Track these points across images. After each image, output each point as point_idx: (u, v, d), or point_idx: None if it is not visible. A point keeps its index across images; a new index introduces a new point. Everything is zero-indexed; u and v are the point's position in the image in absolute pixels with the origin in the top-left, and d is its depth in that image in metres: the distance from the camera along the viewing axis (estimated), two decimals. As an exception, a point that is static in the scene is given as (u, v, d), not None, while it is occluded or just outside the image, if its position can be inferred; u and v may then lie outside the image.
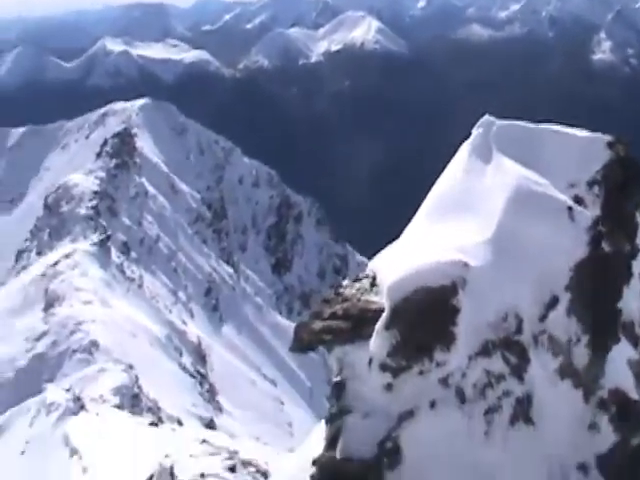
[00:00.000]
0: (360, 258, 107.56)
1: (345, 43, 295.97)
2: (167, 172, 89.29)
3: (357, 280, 4.65)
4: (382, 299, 4.21)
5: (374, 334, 4.06)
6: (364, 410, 4.27)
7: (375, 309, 4.23)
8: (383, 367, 4.04)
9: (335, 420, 4.47)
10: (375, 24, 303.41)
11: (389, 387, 4.06)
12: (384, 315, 4.02)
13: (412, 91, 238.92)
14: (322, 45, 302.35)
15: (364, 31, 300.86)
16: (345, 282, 4.67)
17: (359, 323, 4.29)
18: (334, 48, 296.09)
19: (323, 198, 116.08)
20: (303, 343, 4.58)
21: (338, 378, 4.46)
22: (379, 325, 4.02)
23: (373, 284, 4.52)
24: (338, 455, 4.31)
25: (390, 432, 4.08)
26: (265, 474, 17.91)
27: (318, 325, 4.45)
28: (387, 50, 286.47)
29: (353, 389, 4.38)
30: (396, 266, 4.21)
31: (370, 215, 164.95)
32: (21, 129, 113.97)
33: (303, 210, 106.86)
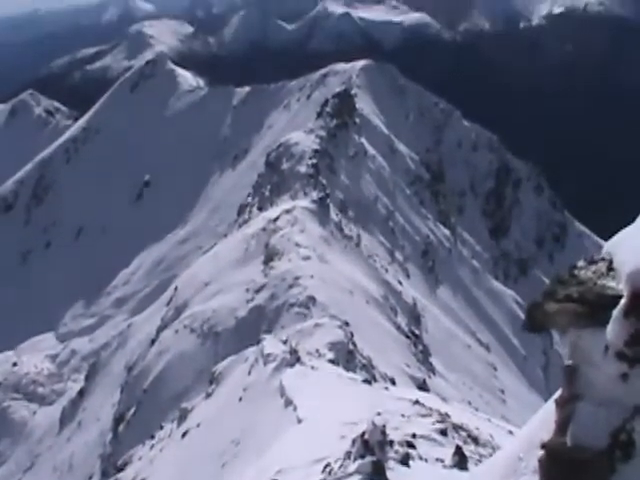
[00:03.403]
0: (580, 227, 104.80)
1: (567, 6, 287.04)
2: (386, 133, 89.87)
3: (593, 262, 4.47)
4: (620, 285, 4.02)
5: (611, 321, 3.89)
6: (597, 398, 4.11)
7: (613, 295, 4.06)
8: (620, 356, 3.87)
9: (566, 405, 4.35)
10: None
11: (625, 377, 3.89)
12: (623, 302, 3.85)
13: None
14: (544, 7, 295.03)
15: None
16: (580, 263, 4.51)
17: (595, 308, 4.12)
18: (556, 11, 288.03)
19: (543, 164, 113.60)
20: (536, 324, 4.47)
21: (570, 362, 4.33)
22: (617, 312, 3.84)
23: (610, 268, 4.33)
24: (569, 442, 4.20)
25: (624, 423, 3.92)
26: (476, 440, 17.81)
27: (552, 307, 4.32)
28: (612, 14, 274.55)
29: (586, 375, 4.24)
30: (636, 251, 4.02)
31: (592, 184, 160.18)
32: (246, 88, 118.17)
33: (522, 175, 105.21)
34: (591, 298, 4.03)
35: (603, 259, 4.35)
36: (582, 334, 4.06)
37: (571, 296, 4.12)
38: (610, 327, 3.76)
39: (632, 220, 4.46)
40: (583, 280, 4.20)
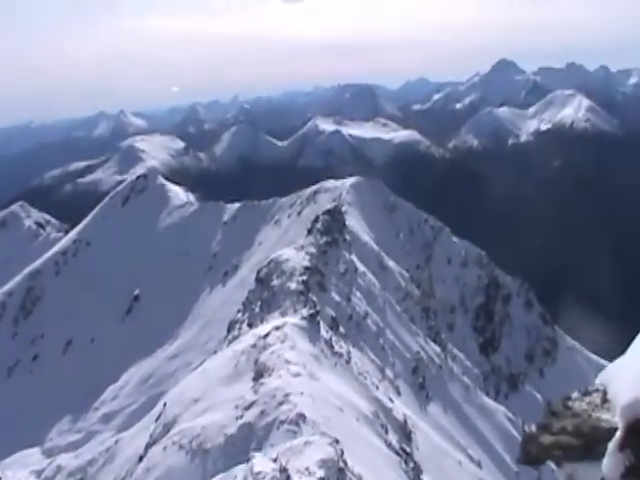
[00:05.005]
0: (570, 341, 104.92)
1: (555, 122, 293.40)
2: (376, 250, 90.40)
3: (587, 394, 4.57)
4: (614, 417, 4.12)
5: (607, 454, 3.97)
6: (594, 530, 4.17)
7: (607, 428, 4.15)
8: (616, 488, 3.94)
9: (563, 537, 4.39)
10: (585, 102, 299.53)
11: (622, 508, 3.96)
12: (617, 435, 3.93)
13: (626, 173, 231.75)
14: (531, 124, 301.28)
15: (574, 110, 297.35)
16: (574, 395, 4.60)
17: (590, 441, 4.20)
18: (544, 127, 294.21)
19: (532, 280, 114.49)
20: (531, 456, 4.54)
21: (566, 494, 4.40)
22: (612, 446, 3.92)
23: (604, 399, 4.43)
24: None
25: None
26: None
27: (547, 439, 4.40)
28: (598, 129, 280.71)
29: (583, 506, 4.30)
30: (629, 383, 4.12)
31: (581, 298, 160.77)
32: (236, 205, 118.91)
33: (512, 291, 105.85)
34: (586, 431, 4.10)
35: (597, 390, 4.43)
36: (578, 467, 4.12)
37: (566, 429, 4.19)
38: (606, 460, 3.82)
39: (622, 336, 4.56)
40: (577, 412, 4.28)
